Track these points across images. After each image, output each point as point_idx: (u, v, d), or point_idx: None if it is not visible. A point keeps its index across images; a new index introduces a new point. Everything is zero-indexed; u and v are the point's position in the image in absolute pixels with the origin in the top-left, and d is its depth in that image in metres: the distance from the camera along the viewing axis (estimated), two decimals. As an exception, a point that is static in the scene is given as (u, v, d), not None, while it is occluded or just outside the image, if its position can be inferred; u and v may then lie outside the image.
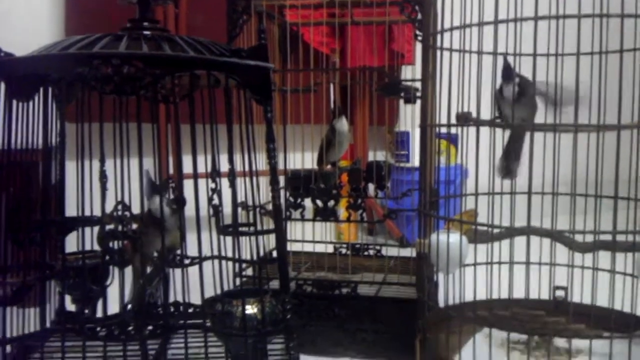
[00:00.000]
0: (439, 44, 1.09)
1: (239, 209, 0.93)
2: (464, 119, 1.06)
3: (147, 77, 0.77)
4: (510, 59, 1.08)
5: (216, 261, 0.93)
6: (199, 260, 0.92)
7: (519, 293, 1.14)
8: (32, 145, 0.92)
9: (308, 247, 1.54)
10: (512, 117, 1.05)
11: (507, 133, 1.10)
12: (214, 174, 0.82)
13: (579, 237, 0.97)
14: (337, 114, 1.38)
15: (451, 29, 1.00)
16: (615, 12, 0.89)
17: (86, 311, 0.96)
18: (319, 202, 1.31)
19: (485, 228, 0.97)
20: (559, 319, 0.92)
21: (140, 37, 0.82)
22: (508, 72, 1.07)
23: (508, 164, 1.11)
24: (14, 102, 0.86)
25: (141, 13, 0.88)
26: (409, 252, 1.51)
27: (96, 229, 0.89)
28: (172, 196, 0.99)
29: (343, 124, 1.38)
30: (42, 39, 0.99)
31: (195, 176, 0.92)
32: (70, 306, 1.01)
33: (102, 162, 0.85)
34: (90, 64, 0.75)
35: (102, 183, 0.85)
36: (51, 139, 0.93)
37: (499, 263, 1.14)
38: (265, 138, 0.82)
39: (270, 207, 1.03)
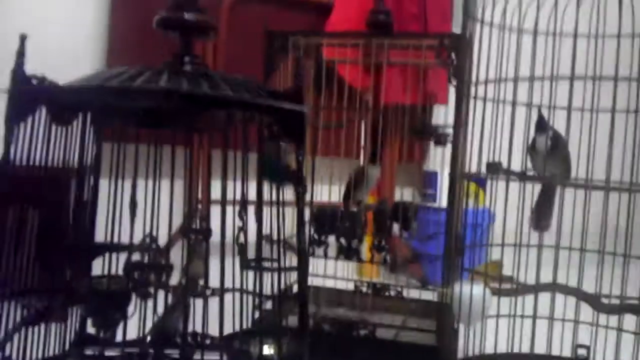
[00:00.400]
0: (473, 93, 1.09)
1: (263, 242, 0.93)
2: (494, 169, 1.06)
3: (185, 113, 0.79)
4: (545, 112, 1.08)
5: (237, 294, 0.93)
6: (221, 292, 0.92)
7: (540, 348, 1.13)
8: (67, 164, 0.94)
9: (328, 282, 1.53)
10: (543, 170, 1.05)
11: (538, 186, 1.09)
12: (242, 211, 0.83)
13: (605, 299, 0.95)
14: (374, 160, 1.39)
15: (486, 81, 1.00)
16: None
17: (106, 337, 0.96)
18: (342, 241, 1.31)
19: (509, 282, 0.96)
20: (579, 382, 0.90)
21: (180, 72, 0.84)
22: (542, 124, 1.07)
23: (539, 217, 1.10)
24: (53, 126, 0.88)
25: (183, 48, 0.90)
26: (430, 294, 1.50)
27: (123, 255, 0.90)
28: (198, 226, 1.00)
29: (376, 171, 1.41)
30: (83, 66, 1.03)
31: (224, 209, 0.94)
32: (90, 329, 1.02)
33: (134, 188, 0.86)
34: (130, 98, 0.77)
35: (132, 210, 0.86)
36: (86, 161, 0.95)
37: (522, 317, 1.13)
38: (295, 180, 0.83)
39: (293, 241, 1.03)
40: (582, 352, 1.13)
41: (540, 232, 1.11)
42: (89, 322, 1.00)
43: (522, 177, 1.05)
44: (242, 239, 0.84)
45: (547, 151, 1.04)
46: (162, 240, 0.91)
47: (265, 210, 0.89)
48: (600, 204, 1.09)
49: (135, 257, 0.90)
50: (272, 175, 0.87)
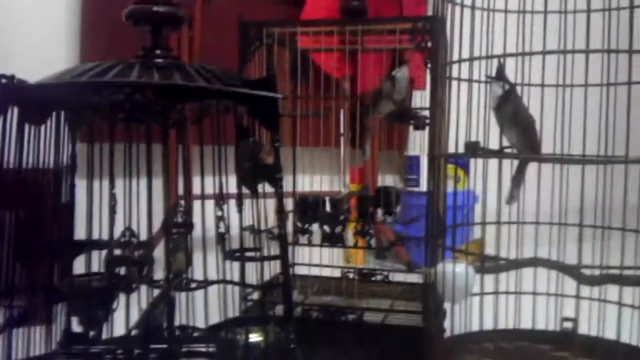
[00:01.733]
0: (448, 73, 1.09)
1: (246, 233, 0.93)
2: (473, 148, 1.07)
3: (157, 106, 0.78)
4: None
5: (221, 285, 0.93)
6: (205, 284, 0.92)
7: (526, 323, 1.14)
8: (43, 165, 0.93)
9: (315, 271, 1.54)
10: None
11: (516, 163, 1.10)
12: (221, 201, 0.83)
13: (586, 270, 0.97)
14: (398, 64, 1.32)
15: (460, 60, 1.00)
16: (623, 47, 0.90)
17: (91, 334, 0.96)
18: (326, 228, 1.32)
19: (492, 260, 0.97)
20: (564, 354, 0.91)
21: (152, 65, 0.84)
22: (498, 74, 1.07)
23: (511, 191, 1.11)
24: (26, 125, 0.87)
25: (154, 41, 0.90)
26: (416, 277, 1.51)
27: (103, 252, 0.90)
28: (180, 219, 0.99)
29: (404, 73, 1.33)
30: (57, 63, 1.02)
31: (203, 200, 0.94)
32: (75, 328, 1.01)
33: (112, 184, 0.86)
34: (102, 93, 0.76)
35: (110, 206, 0.86)
36: (62, 160, 0.94)
37: (506, 293, 1.14)
38: (272, 172, 0.83)
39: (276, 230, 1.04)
40: (567, 324, 1.15)
41: (509, 204, 1.11)
42: (75, 320, 1.00)
43: (499, 154, 1.05)
44: (222, 228, 0.84)
45: (502, 96, 1.04)
46: (143, 236, 0.91)
47: (247, 202, 0.89)
48: (578, 178, 1.10)
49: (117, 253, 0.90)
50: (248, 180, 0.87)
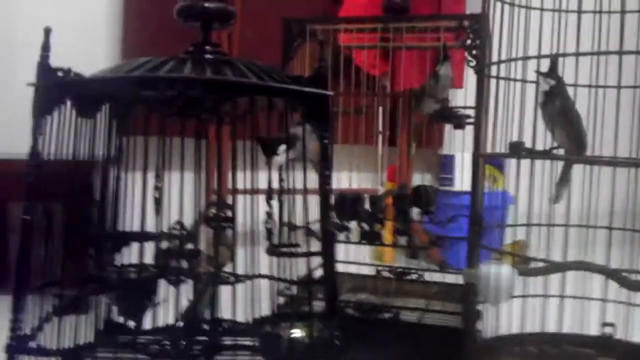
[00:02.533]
0: (494, 72, 1.08)
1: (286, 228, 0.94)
2: (518, 149, 1.06)
3: (209, 101, 0.79)
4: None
5: (264, 280, 0.94)
6: (251, 278, 0.93)
7: (567, 327, 1.13)
8: (92, 157, 0.95)
9: (348, 268, 1.54)
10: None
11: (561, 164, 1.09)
12: (270, 197, 0.84)
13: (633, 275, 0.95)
14: (442, 58, 1.31)
15: (499, 62, 0.99)
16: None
17: (134, 324, 0.97)
18: (364, 226, 1.32)
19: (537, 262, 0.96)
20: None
21: (203, 61, 0.84)
22: (550, 70, 1.05)
23: (558, 190, 1.09)
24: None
25: (204, 37, 0.90)
26: (453, 278, 1.50)
27: (150, 244, 0.91)
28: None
29: (448, 68, 1.31)
30: (98, 59, 1.04)
31: (252, 195, 0.94)
32: (117, 318, 1.03)
33: (158, 177, 0.87)
34: (156, 87, 0.77)
35: (156, 199, 0.87)
36: (110, 152, 0.96)
37: (549, 296, 1.13)
38: (321, 165, 0.83)
39: (315, 227, 1.04)
40: (608, 329, 1.13)
41: (555, 204, 1.09)
42: (116, 310, 1.02)
43: (546, 155, 1.04)
44: (269, 225, 0.84)
45: (553, 110, 1.03)
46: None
47: (288, 198, 0.90)
48: (626, 181, 1.09)
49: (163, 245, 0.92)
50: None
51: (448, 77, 1.30)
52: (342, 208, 1.34)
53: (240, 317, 0.97)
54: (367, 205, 1.35)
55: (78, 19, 1.94)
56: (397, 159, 2.08)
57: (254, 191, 0.93)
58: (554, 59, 1.00)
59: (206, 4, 0.89)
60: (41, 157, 0.85)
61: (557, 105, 1.01)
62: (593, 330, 1.14)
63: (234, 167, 0.91)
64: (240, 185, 0.93)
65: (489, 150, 1.07)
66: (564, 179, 1.07)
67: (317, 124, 0.80)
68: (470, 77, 1.19)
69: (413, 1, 1.69)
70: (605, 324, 1.14)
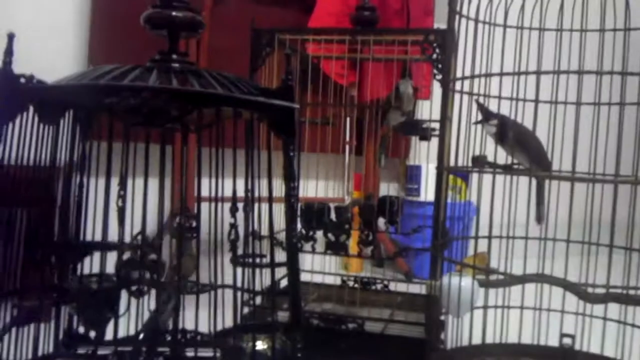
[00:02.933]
0: (458, 87, 1.10)
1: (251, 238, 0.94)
2: (480, 163, 1.08)
3: (174, 111, 0.79)
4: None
5: (227, 290, 0.93)
6: (214, 288, 0.92)
7: (527, 338, 1.15)
8: (53, 164, 0.93)
9: (314, 277, 1.54)
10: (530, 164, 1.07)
11: (522, 178, 1.11)
12: (234, 208, 0.83)
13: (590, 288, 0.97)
14: (403, 75, 1.34)
15: (472, 76, 1.01)
16: (636, 70, 0.91)
17: (95, 335, 0.96)
18: (330, 236, 1.32)
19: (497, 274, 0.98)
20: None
21: (169, 70, 0.84)
22: (485, 113, 1.09)
23: (538, 210, 1.12)
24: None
25: (171, 45, 0.90)
26: (417, 287, 1.51)
27: (112, 253, 0.90)
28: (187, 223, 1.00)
29: (407, 86, 1.34)
30: (64, 65, 1.02)
31: (216, 205, 0.94)
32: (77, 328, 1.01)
33: (123, 185, 0.86)
34: (121, 96, 0.77)
35: (120, 209, 0.86)
36: (74, 159, 0.95)
37: (509, 307, 1.14)
38: (286, 176, 0.83)
39: (281, 236, 1.04)
40: (567, 340, 1.16)
41: (540, 224, 1.13)
42: (78, 321, 1.00)
43: (507, 170, 1.06)
44: (233, 235, 0.84)
45: (512, 143, 1.06)
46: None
47: (253, 207, 0.90)
48: (585, 195, 1.11)
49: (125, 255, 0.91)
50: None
51: (407, 94, 1.33)
52: (308, 218, 1.34)
53: (204, 328, 0.96)
54: (333, 215, 1.35)
55: (44, 22, 1.91)
56: (363, 168, 2.10)
57: (219, 199, 0.92)
58: (480, 104, 1.04)
59: (173, 13, 0.88)
60: (2, 163, 0.83)
61: (510, 136, 1.04)
62: (553, 341, 1.16)
63: (199, 175, 0.91)
64: (205, 193, 0.92)
65: (452, 163, 1.09)
66: (541, 199, 1.10)
67: (284, 136, 0.80)
68: (438, 89, 1.21)
69: (383, 13, 1.71)
70: (564, 335, 1.16)
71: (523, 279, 0.99)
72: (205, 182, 0.92)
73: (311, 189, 1.58)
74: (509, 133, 1.06)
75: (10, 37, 0.81)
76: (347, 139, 1.72)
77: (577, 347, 1.14)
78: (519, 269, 1.08)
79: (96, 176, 0.94)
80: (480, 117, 1.10)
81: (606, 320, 1.08)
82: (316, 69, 1.51)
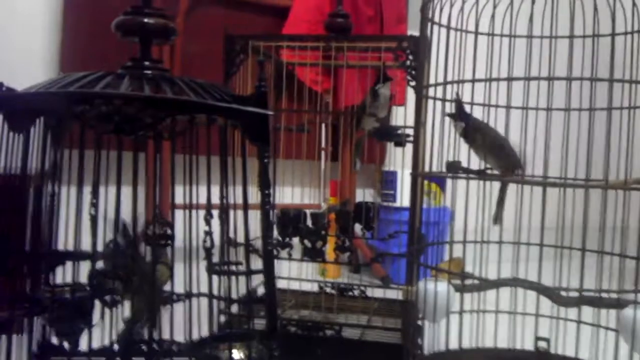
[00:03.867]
0: (431, 93, 1.11)
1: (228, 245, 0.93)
2: (454, 168, 1.08)
3: (147, 118, 0.78)
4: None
5: (203, 299, 0.93)
6: (189, 296, 0.91)
7: (503, 342, 1.15)
8: (24, 172, 0.92)
9: (291, 284, 1.54)
10: (499, 167, 1.08)
11: (497, 184, 1.12)
12: (208, 216, 0.83)
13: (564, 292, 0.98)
14: (383, 79, 1.36)
15: (445, 83, 1.02)
16: (605, 76, 0.92)
17: (69, 346, 0.94)
18: (307, 243, 1.32)
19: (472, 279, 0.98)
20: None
21: (141, 77, 0.83)
22: (458, 113, 1.09)
23: (497, 212, 1.13)
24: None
25: (143, 52, 0.89)
26: (394, 293, 1.52)
27: (85, 262, 0.89)
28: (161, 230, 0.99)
29: (387, 89, 1.36)
30: (36, 72, 1.01)
31: (190, 212, 0.93)
32: (52, 339, 1.00)
33: (95, 193, 0.85)
34: (92, 103, 0.76)
35: (93, 218, 0.85)
36: (45, 168, 0.93)
37: (485, 312, 1.15)
38: (260, 183, 0.83)
39: (257, 243, 1.04)
40: (542, 344, 1.17)
41: (496, 225, 1.13)
42: (51, 332, 0.99)
43: (480, 175, 1.07)
44: (208, 243, 0.84)
45: (476, 143, 1.07)
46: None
47: (230, 214, 0.89)
48: (557, 200, 1.13)
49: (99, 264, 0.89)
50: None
51: (386, 97, 1.33)
52: (284, 225, 1.34)
53: (179, 337, 0.95)
54: (309, 222, 1.35)
55: (15, 25, 1.89)
56: (339, 174, 2.10)
57: (193, 207, 0.92)
58: (457, 100, 1.04)
59: (145, 20, 0.88)
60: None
61: (478, 139, 1.05)
62: (528, 345, 1.17)
63: (172, 183, 0.90)
64: (179, 200, 0.91)
65: (427, 168, 1.09)
66: (502, 200, 1.11)
67: (258, 143, 0.80)
68: (411, 95, 1.22)
69: (357, 20, 1.72)
70: (539, 339, 1.17)
71: (497, 283, 1.00)
72: (179, 189, 0.92)
73: (287, 195, 1.57)
74: (477, 135, 1.07)
75: (-21, 44, 0.79)
76: (323, 145, 1.72)
77: (552, 350, 1.15)
78: (493, 274, 1.09)
79: (68, 184, 0.93)
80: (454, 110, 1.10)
81: (580, 323, 1.09)
82: (291, 76, 1.51)
